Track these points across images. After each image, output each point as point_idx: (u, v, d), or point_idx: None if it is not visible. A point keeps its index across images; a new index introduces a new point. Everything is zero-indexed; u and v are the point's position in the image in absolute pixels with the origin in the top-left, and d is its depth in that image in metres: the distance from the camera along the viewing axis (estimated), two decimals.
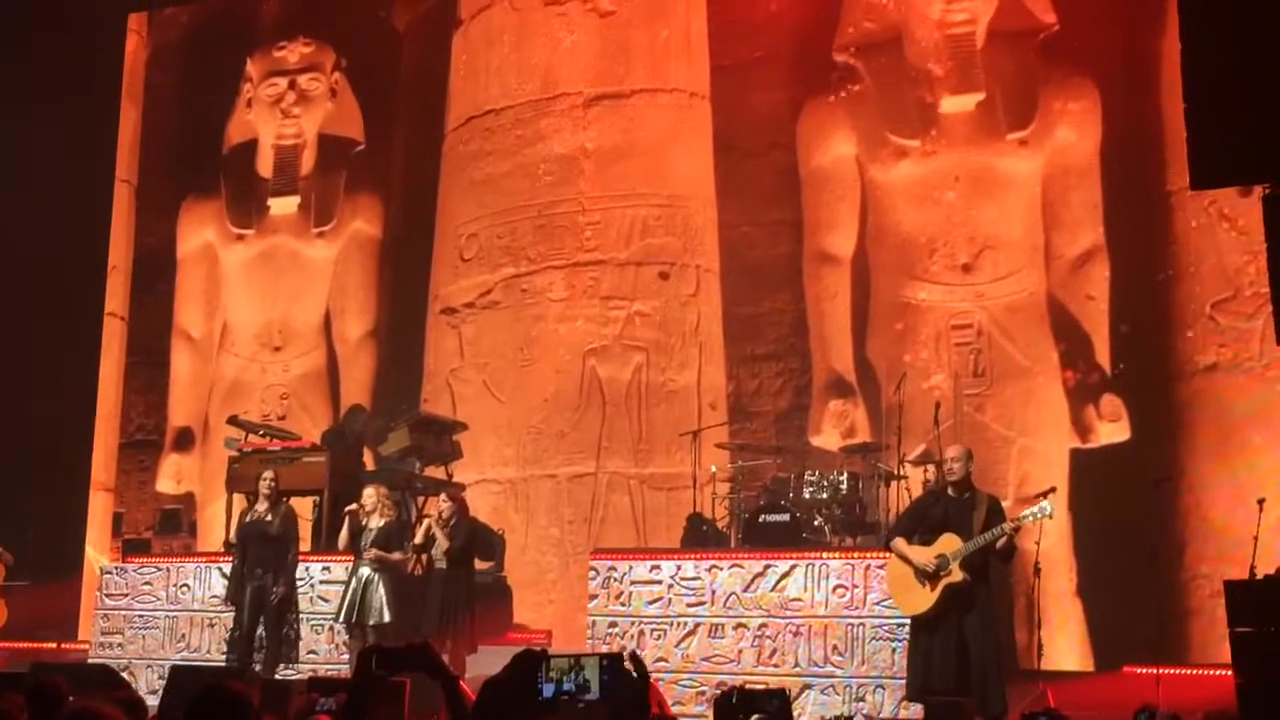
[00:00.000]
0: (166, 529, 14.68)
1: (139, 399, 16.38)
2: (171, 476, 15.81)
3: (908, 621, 8.63)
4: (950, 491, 8.54)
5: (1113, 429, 12.17)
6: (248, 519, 10.63)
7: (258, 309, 15.96)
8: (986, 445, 12.20)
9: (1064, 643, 11.70)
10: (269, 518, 10.47)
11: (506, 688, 3.18)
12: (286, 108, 16.03)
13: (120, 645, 11.97)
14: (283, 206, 15.93)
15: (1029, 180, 12.83)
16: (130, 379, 16.47)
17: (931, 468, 10.79)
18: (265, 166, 16.17)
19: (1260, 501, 9.24)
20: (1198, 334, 12.09)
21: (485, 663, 10.14)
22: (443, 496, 10.86)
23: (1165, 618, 11.36)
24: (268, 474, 10.65)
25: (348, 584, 10.22)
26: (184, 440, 15.94)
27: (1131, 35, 12.56)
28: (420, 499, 12.35)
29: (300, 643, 10.60)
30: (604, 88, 14.36)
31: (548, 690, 3.18)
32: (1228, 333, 11.89)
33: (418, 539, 10.48)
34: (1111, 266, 12.44)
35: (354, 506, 10.31)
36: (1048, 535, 11.55)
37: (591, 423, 13.77)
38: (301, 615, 10.74)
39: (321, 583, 11.19)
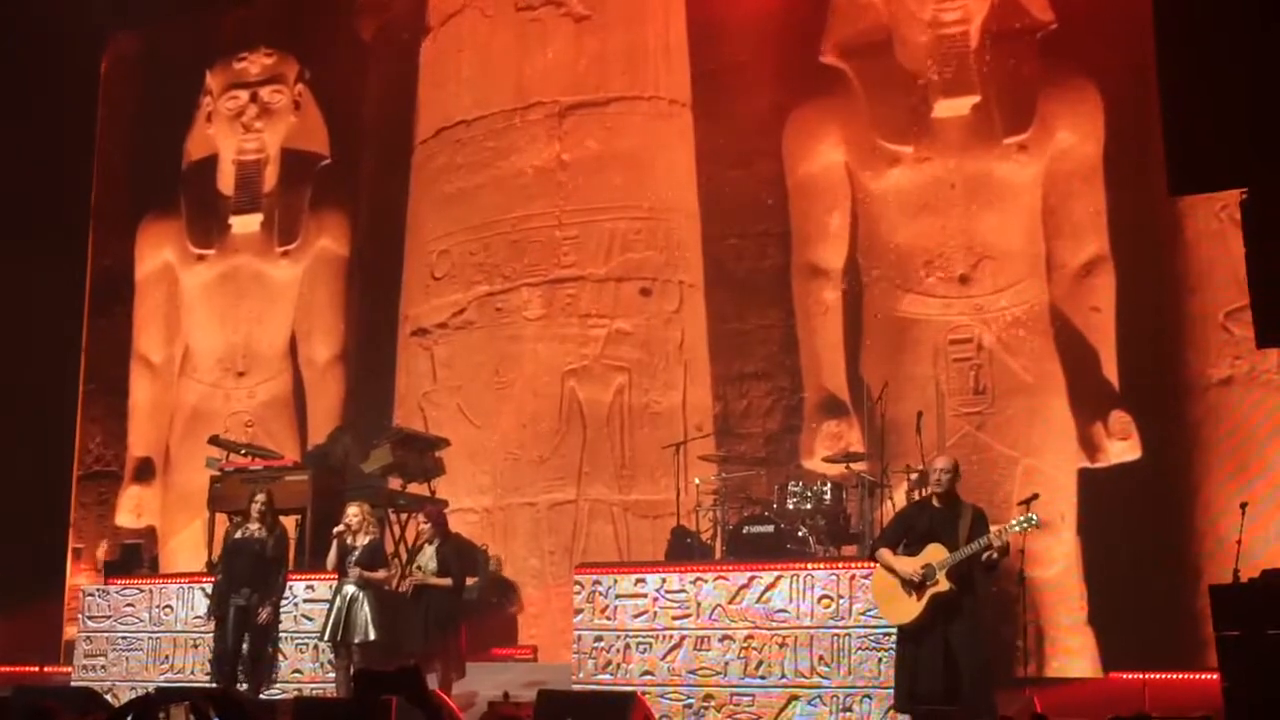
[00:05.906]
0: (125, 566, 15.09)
1: (96, 428, 16.66)
2: (131, 509, 16.08)
3: (894, 631, 9.22)
4: (935, 502, 9.17)
5: (1123, 447, 12.56)
6: (237, 534, 11.14)
7: (220, 332, 16.27)
8: (990, 466, 12.69)
9: (1076, 672, 12.07)
10: (262, 536, 11.00)
11: None
12: (248, 121, 16.40)
13: (103, 668, 12.40)
14: (245, 225, 16.30)
15: (1028, 186, 13.22)
16: (87, 407, 16.74)
17: (921, 487, 10.99)
18: (226, 183, 16.53)
19: (1243, 506, 9.94)
20: (1211, 346, 12.42)
21: (473, 680, 10.94)
22: (421, 517, 11.46)
23: (1181, 643, 11.58)
24: (260, 495, 11.20)
25: (332, 602, 10.78)
26: (144, 471, 16.19)
27: (1134, 32, 12.06)
28: (402, 515, 12.90)
29: (281, 663, 11.21)
30: (580, 96, 14.82)
31: None
32: (1243, 344, 12.12)
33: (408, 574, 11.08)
34: (1118, 276, 12.84)
35: (341, 527, 10.85)
36: (1055, 563, 12.29)
37: (572, 447, 14.21)
38: (286, 634, 11.34)
39: (305, 601, 11.70)
